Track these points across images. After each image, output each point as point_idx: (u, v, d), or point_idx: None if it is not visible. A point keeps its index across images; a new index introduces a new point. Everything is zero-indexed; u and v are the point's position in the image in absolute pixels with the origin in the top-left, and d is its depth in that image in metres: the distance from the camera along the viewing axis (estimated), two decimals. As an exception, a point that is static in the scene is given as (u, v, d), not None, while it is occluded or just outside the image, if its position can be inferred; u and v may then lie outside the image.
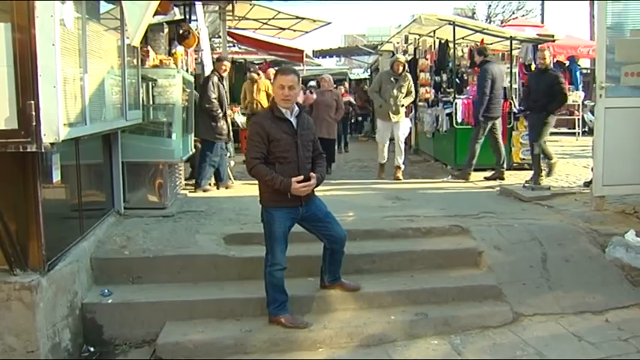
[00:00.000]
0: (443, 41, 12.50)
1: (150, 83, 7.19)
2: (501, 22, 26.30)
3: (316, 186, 4.80)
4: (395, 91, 9.82)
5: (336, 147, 12.68)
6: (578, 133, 16.11)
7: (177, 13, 9.87)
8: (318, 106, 11.08)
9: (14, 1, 3.87)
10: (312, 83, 14.77)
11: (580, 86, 16.69)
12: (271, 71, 13.74)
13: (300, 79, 4.87)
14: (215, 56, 10.59)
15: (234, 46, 16.51)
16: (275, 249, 4.70)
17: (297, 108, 4.75)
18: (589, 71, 17.34)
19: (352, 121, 18.87)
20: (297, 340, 4.64)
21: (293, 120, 4.70)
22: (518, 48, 13.42)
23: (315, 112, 10.77)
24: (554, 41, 13.17)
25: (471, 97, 10.88)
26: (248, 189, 8.70)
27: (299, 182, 4.58)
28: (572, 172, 10.21)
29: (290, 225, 4.77)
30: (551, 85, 8.53)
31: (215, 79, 8.36)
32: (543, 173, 8.64)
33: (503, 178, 9.48)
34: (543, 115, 8.52)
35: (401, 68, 9.89)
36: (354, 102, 14.73)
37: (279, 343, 4.62)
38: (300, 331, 4.70)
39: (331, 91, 11.49)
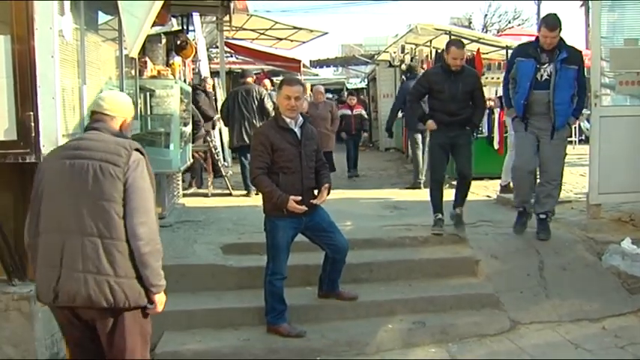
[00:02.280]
0: (439, 51, 12.53)
1: (148, 94, 7.22)
2: (497, 32, 26.45)
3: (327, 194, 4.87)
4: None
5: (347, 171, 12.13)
6: (575, 141, 16.11)
7: (174, 24, 9.93)
8: (313, 119, 9.86)
9: (13, 12, 3.91)
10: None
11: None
12: (266, 82, 13.80)
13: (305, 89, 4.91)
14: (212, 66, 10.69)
15: (231, 56, 16.56)
16: (277, 258, 4.72)
17: (301, 118, 4.79)
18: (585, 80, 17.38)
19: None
20: (296, 349, 4.64)
21: (297, 130, 4.73)
22: (515, 57, 13.46)
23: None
24: (549, 50, 13.22)
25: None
26: (246, 199, 8.75)
27: (297, 202, 4.59)
28: (569, 181, 10.21)
29: (293, 235, 4.79)
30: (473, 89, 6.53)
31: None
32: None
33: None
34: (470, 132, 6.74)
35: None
36: (366, 116, 13.24)
37: (277, 352, 4.63)
38: (298, 340, 4.71)
39: (324, 103, 11.38)
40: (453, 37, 11.36)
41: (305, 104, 10.30)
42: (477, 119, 6.64)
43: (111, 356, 3.13)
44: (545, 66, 5.85)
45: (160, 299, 3.20)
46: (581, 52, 6.17)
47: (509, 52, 12.10)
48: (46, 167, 3.20)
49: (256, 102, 9.25)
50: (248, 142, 8.75)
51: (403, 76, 14.35)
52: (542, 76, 5.86)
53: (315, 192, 4.87)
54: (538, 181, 6.29)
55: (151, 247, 3.06)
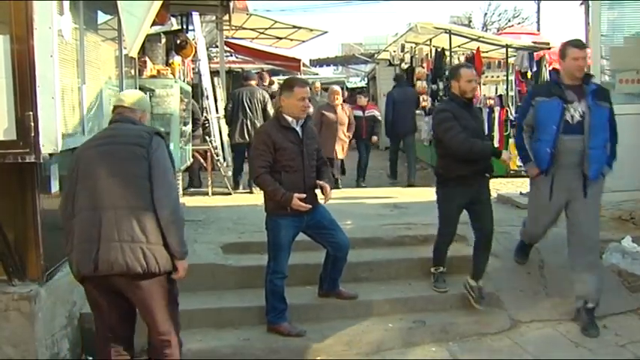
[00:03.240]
0: (439, 49, 12.56)
1: (147, 93, 7.21)
2: (497, 30, 26.41)
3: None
4: None
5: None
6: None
7: (174, 24, 9.93)
8: (330, 124, 9.81)
9: (13, 12, 3.90)
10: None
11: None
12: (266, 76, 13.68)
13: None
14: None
15: (231, 55, 16.56)
16: (278, 257, 4.72)
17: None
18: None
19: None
20: (296, 349, 4.65)
21: (298, 129, 4.74)
22: (514, 56, 13.48)
23: (325, 131, 9.55)
24: (549, 49, 13.22)
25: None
26: (246, 198, 8.75)
27: (301, 200, 4.59)
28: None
29: (295, 233, 4.80)
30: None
31: None
32: None
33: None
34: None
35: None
36: (379, 117, 11.42)
37: (277, 351, 4.63)
38: (298, 339, 4.71)
39: (342, 106, 10.19)
40: (453, 35, 11.37)
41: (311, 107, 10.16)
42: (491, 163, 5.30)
43: (147, 320, 3.57)
44: (574, 104, 4.80)
45: (183, 265, 3.53)
46: (608, 90, 5.28)
47: (509, 50, 12.18)
48: (80, 155, 3.59)
49: (260, 104, 9.52)
50: (249, 140, 9.06)
51: (404, 75, 14.39)
52: (572, 117, 4.80)
53: (317, 191, 4.88)
54: (570, 251, 5.13)
55: (175, 215, 3.45)
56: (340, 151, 10.02)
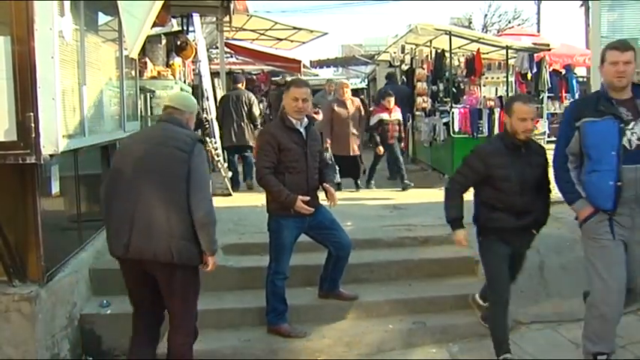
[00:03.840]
0: (439, 51, 12.54)
1: (148, 94, 7.23)
2: (498, 32, 26.42)
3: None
4: None
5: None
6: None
7: (174, 25, 9.95)
8: (342, 121, 9.33)
9: (13, 13, 3.91)
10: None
11: (577, 94, 16.75)
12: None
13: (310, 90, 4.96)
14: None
15: (231, 56, 16.57)
16: (280, 258, 4.73)
17: (306, 119, 4.82)
18: (585, 79, 17.40)
19: None
20: (296, 350, 4.65)
21: (302, 130, 4.75)
22: (514, 57, 13.49)
23: (338, 128, 9.28)
24: (549, 50, 13.25)
25: (467, 106, 10.93)
26: (246, 199, 8.74)
27: (304, 202, 4.60)
28: (569, 180, 10.22)
29: (297, 234, 4.81)
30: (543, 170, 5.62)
31: None
32: None
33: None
34: None
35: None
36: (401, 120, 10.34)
37: (278, 352, 4.64)
38: (298, 340, 4.72)
39: (352, 100, 9.68)
40: (453, 37, 11.36)
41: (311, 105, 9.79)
42: (546, 217, 4.46)
43: (169, 304, 3.88)
44: (631, 126, 3.84)
45: (213, 260, 3.87)
46: None
47: (509, 51, 12.18)
48: (127, 147, 4.04)
49: (246, 107, 9.75)
50: (236, 142, 9.50)
51: (403, 77, 14.40)
52: (630, 141, 3.83)
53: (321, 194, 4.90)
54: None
55: (209, 218, 3.75)
56: (355, 147, 9.53)
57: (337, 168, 9.71)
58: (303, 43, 15.56)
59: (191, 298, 3.92)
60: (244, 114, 9.70)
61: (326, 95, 11.01)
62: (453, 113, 10.59)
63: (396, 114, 10.15)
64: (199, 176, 3.76)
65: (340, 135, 9.31)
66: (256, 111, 9.86)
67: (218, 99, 10.96)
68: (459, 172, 4.44)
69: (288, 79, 10.61)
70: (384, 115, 9.98)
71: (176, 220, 3.65)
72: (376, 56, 19.15)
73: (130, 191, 3.71)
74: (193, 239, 3.71)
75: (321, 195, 4.96)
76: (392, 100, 10.06)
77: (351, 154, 9.47)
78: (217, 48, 13.89)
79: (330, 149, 9.41)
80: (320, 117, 9.33)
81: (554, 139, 16.75)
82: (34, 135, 3.91)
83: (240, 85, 10.24)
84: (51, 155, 4.04)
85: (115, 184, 3.81)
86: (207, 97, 10.26)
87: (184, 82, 8.87)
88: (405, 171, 10.13)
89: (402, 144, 10.40)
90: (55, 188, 4.55)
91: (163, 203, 3.66)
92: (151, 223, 3.64)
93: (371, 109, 12.09)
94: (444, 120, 10.98)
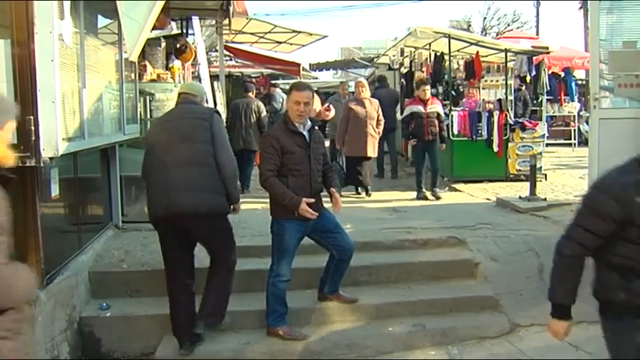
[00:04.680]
0: (438, 54, 12.57)
1: (147, 97, 7.22)
2: (497, 35, 26.47)
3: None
4: None
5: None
6: (575, 143, 16.17)
7: (174, 28, 9.94)
8: (359, 120, 9.04)
9: (14, 16, 3.92)
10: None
11: (576, 97, 16.78)
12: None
13: (314, 94, 4.99)
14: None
15: (230, 59, 16.57)
16: (282, 260, 4.73)
17: (309, 122, 4.82)
18: (584, 82, 17.44)
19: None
20: (296, 352, 4.66)
21: (306, 134, 4.76)
22: (513, 60, 13.51)
23: (354, 128, 9.05)
24: (548, 53, 13.26)
25: (467, 109, 10.94)
26: (246, 202, 8.74)
27: (308, 204, 4.59)
28: (569, 183, 10.26)
29: (300, 237, 4.81)
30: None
31: None
32: None
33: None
34: None
35: None
36: (442, 114, 9.36)
37: (277, 355, 4.64)
38: (298, 342, 4.72)
39: (370, 100, 9.32)
40: (452, 39, 11.38)
41: (315, 107, 8.62)
42: None
43: (211, 246, 4.67)
44: None
45: (238, 205, 4.76)
46: None
47: (508, 54, 12.20)
48: (154, 129, 5.02)
49: (255, 115, 10.07)
50: (243, 147, 9.74)
51: (402, 79, 14.41)
52: None
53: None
54: None
55: (234, 172, 4.66)
56: (371, 149, 9.15)
57: (344, 173, 9.56)
58: (303, 46, 15.57)
59: (227, 236, 4.69)
60: (252, 121, 9.99)
61: (340, 98, 10.97)
62: (452, 116, 10.61)
63: (434, 106, 9.10)
64: (222, 139, 4.56)
65: (356, 134, 9.03)
66: (265, 119, 10.20)
67: (218, 102, 10.98)
68: (580, 225, 2.89)
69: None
70: (417, 108, 9.04)
71: (209, 177, 4.41)
72: (375, 59, 19.16)
73: (165, 160, 4.42)
74: (223, 192, 4.48)
75: (325, 198, 4.96)
76: (428, 90, 9.11)
77: (366, 155, 9.09)
78: (217, 51, 13.87)
79: (342, 152, 9.47)
80: (331, 114, 8.92)
81: (553, 141, 16.90)
82: (33, 138, 3.91)
83: (250, 94, 10.59)
84: (51, 158, 4.05)
85: (150, 159, 4.54)
86: (207, 100, 10.28)
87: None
88: (439, 180, 9.38)
89: (443, 144, 9.42)
90: (55, 191, 4.55)
91: (196, 165, 4.40)
92: (189, 182, 4.34)
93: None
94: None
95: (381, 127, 9.43)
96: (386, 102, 10.78)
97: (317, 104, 9.22)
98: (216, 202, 4.46)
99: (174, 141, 4.46)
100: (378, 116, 9.29)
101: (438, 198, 9.00)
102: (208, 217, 4.43)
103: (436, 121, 9.03)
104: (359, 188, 9.45)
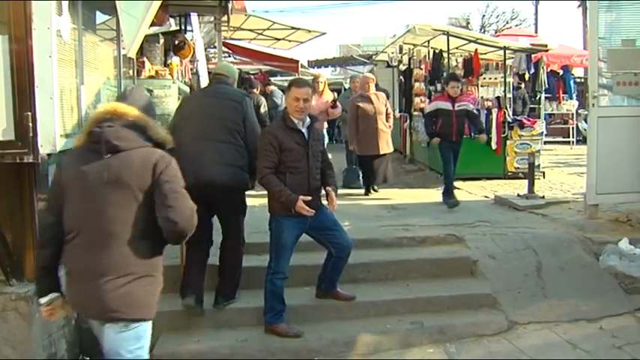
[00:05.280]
0: (437, 51, 12.56)
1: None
2: (495, 32, 26.45)
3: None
4: None
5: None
6: (573, 141, 16.19)
7: (172, 24, 9.90)
8: (368, 117, 8.73)
9: (11, 12, 3.90)
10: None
11: (574, 95, 16.80)
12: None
13: (312, 89, 5.01)
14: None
15: (229, 56, 16.54)
16: (280, 257, 4.73)
17: (308, 119, 4.80)
18: (583, 80, 17.45)
19: None
20: (293, 350, 4.65)
21: (304, 131, 4.75)
22: (512, 58, 13.50)
23: (364, 126, 8.76)
24: (547, 50, 13.26)
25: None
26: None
27: (305, 202, 4.58)
28: (567, 181, 10.27)
29: (298, 234, 4.80)
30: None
31: None
32: None
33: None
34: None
35: None
36: (475, 111, 9.07)
37: (275, 352, 4.63)
38: (295, 340, 4.72)
39: (377, 95, 9.00)
40: (451, 37, 11.37)
41: (313, 103, 8.03)
42: None
43: (227, 219, 4.99)
44: None
45: (255, 182, 4.98)
46: None
47: (507, 52, 12.20)
48: (188, 104, 5.30)
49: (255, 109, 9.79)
50: None
51: (401, 77, 14.40)
52: None
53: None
54: None
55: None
56: (385, 145, 8.82)
57: (360, 173, 9.52)
58: (301, 42, 15.55)
59: (242, 214, 5.04)
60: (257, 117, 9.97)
61: (352, 95, 10.75)
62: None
63: (464, 104, 8.25)
64: (252, 121, 4.98)
65: (367, 132, 8.73)
66: (263, 111, 10.25)
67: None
68: None
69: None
70: (444, 104, 8.11)
71: (236, 154, 4.79)
72: (374, 56, 19.16)
73: (197, 134, 4.75)
74: (246, 169, 4.84)
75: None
76: (458, 86, 8.22)
77: (380, 152, 8.77)
78: (215, 47, 13.83)
79: (356, 150, 9.15)
80: (338, 111, 9.01)
81: (551, 139, 16.95)
82: (31, 134, 3.90)
83: (255, 90, 10.85)
84: (48, 154, 4.04)
85: (182, 131, 4.65)
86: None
87: (182, 81, 8.83)
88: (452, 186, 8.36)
89: (483, 135, 8.77)
90: (53, 187, 4.54)
91: (227, 142, 4.78)
92: (219, 157, 4.71)
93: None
94: (442, 120, 10.95)
95: (392, 121, 9.18)
96: None
97: (329, 96, 9.15)
98: (242, 177, 4.84)
99: (207, 118, 4.85)
100: (387, 109, 9.02)
101: (455, 205, 7.94)
102: (233, 189, 4.83)
103: (465, 120, 8.42)
104: (370, 188, 9.20)
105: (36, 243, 3.63)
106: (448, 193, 8.20)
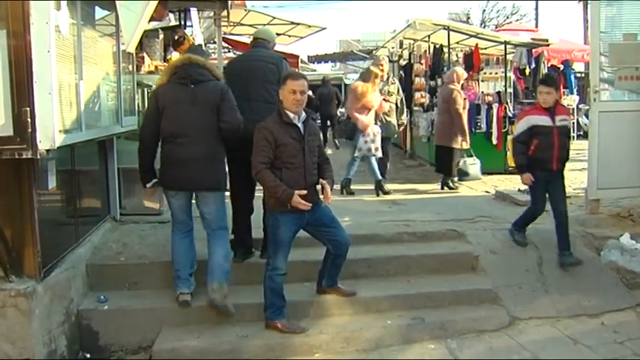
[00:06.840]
0: (437, 46, 12.53)
1: (145, 89, 7.18)
2: (496, 27, 26.45)
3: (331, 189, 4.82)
4: None
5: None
6: (574, 136, 16.13)
7: (172, 19, 9.88)
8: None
9: (9, 7, 3.88)
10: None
11: (575, 90, 16.75)
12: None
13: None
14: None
15: (229, 51, 16.49)
16: (278, 254, 4.70)
17: (304, 114, 4.76)
18: (583, 75, 17.41)
19: None
20: (294, 346, 4.64)
21: (300, 125, 4.71)
22: (513, 52, 13.47)
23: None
24: (548, 45, 13.22)
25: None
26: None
27: (301, 196, 4.55)
28: (568, 176, 10.19)
29: (295, 230, 4.77)
30: None
31: None
32: None
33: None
34: None
35: None
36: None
37: (276, 348, 4.62)
38: (296, 336, 4.71)
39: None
40: (451, 32, 11.35)
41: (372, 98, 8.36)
42: None
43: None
44: None
45: None
46: None
47: (508, 47, 12.17)
48: (234, 66, 5.71)
49: None
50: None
51: (401, 72, 14.38)
52: None
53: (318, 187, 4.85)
54: None
55: None
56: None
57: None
58: (301, 38, 15.51)
59: None
60: None
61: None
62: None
63: (564, 117, 5.95)
64: None
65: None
66: None
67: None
68: None
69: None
70: (543, 120, 5.76)
71: (272, 110, 4.91)
72: (374, 51, 19.13)
73: (243, 90, 5.19)
74: None
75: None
76: (552, 94, 5.76)
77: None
78: (215, 43, 13.81)
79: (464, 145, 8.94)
80: (387, 107, 8.81)
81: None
82: (30, 130, 3.88)
83: None
84: (47, 150, 4.01)
85: (233, 85, 5.08)
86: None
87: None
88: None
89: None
90: (52, 183, 4.53)
91: (264, 101, 5.23)
92: (256, 115, 4.99)
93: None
94: (442, 115, 10.92)
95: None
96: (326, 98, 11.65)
97: (376, 97, 8.51)
98: None
99: (248, 78, 5.31)
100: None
101: (577, 263, 5.70)
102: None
103: (565, 139, 5.94)
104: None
105: (140, 147, 4.92)
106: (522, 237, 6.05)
